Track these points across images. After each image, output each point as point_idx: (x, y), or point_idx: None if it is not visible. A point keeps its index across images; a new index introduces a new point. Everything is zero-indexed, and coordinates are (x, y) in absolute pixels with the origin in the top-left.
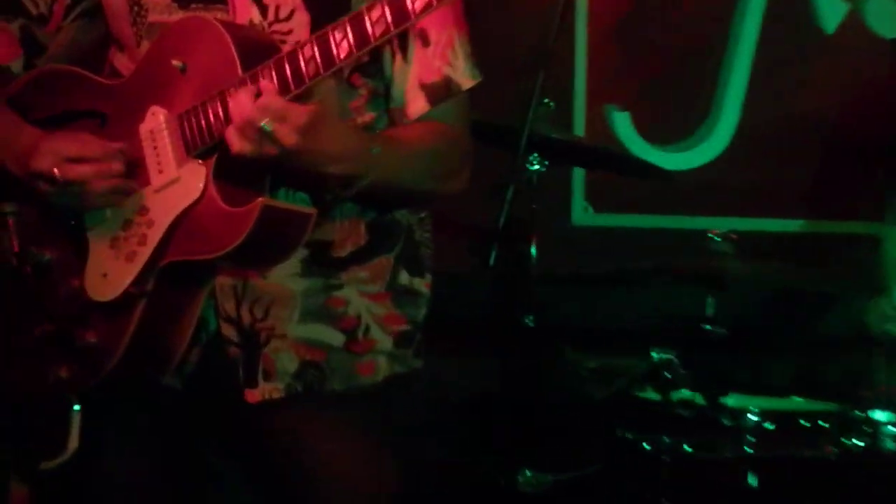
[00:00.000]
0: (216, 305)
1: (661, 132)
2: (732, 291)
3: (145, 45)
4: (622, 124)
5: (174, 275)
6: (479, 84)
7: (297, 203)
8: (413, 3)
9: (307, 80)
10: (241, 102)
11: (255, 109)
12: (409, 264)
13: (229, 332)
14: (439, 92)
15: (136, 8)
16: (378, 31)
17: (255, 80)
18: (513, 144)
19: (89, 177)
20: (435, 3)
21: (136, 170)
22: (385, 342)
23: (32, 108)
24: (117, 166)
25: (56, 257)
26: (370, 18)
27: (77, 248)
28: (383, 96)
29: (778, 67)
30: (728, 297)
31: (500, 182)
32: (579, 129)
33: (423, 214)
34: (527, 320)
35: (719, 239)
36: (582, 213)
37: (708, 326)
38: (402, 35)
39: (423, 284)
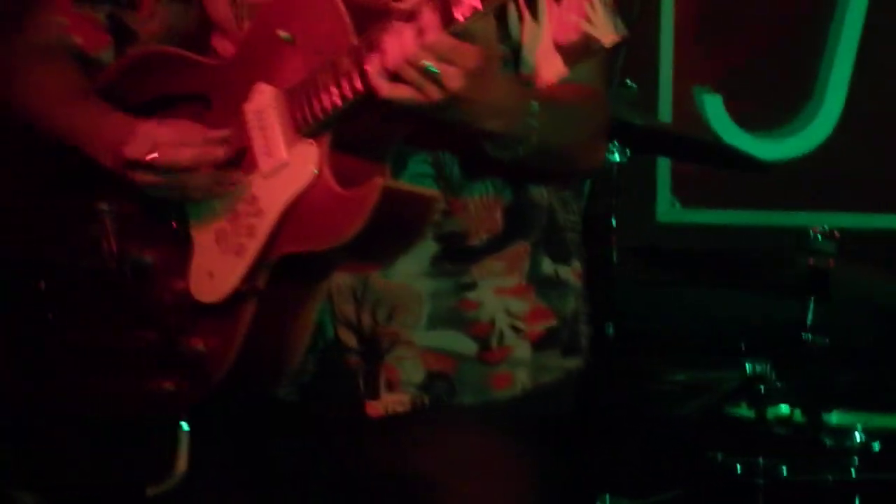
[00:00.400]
0: (333, 309)
1: (756, 117)
2: (835, 296)
3: (247, 25)
4: (713, 108)
5: (287, 270)
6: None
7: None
8: None
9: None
10: (403, 38)
11: (419, 47)
12: (551, 249)
13: (348, 338)
14: (577, 52)
15: None
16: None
17: (410, 17)
18: None
19: (190, 163)
20: None
21: (242, 155)
22: (522, 349)
23: (127, 94)
24: (220, 151)
25: (157, 258)
26: None
27: (180, 247)
28: (511, 62)
29: (889, 44)
30: (831, 303)
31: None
32: (665, 114)
33: (565, 194)
34: (606, 328)
35: (821, 237)
36: (668, 208)
37: (808, 335)
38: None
39: (570, 273)
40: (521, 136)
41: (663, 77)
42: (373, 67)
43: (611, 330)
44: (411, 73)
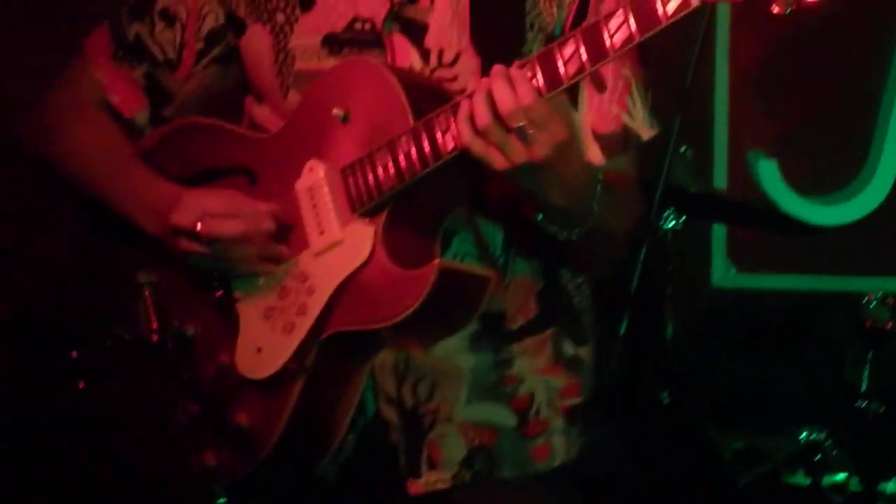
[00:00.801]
0: (375, 385)
1: (812, 182)
2: (891, 362)
3: (293, 94)
4: (768, 174)
5: (336, 348)
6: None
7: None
8: (611, 38)
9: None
10: (503, 94)
11: (518, 106)
12: (571, 333)
13: (390, 414)
14: (616, 142)
15: (281, 55)
16: (571, 71)
17: (507, 80)
18: (646, 198)
19: (237, 235)
20: (637, 37)
21: (292, 232)
22: (557, 421)
23: (171, 165)
24: (269, 225)
25: (201, 331)
26: (563, 55)
27: (225, 321)
28: None
29: None
30: (887, 369)
31: (632, 240)
32: (720, 179)
33: (580, 280)
34: (662, 396)
35: (876, 302)
36: (723, 273)
37: (864, 402)
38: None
39: (587, 354)
40: (583, 216)
41: (718, 142)
42: (462, 120)
43: (667, 398)
44: (499, 133)
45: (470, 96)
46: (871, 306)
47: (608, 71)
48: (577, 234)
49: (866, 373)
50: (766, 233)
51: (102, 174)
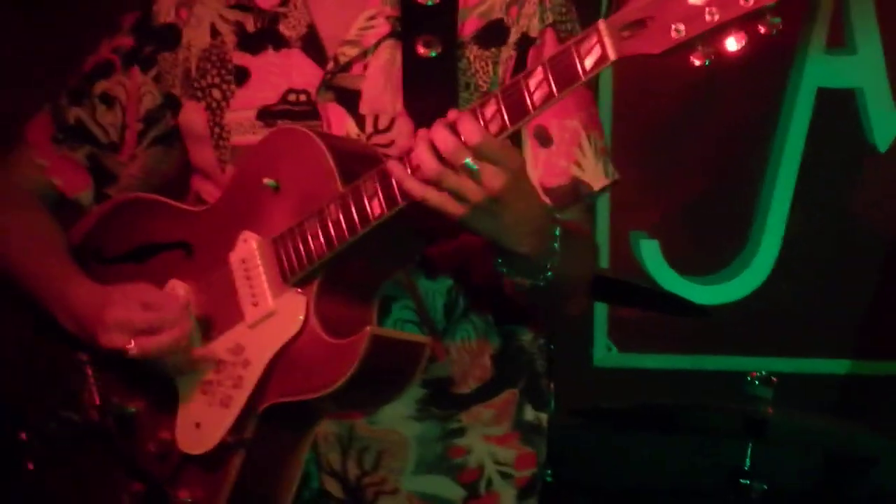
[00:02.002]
0: (318, 457)
1: (693, 262)
2: (773, 442)
3: (230, 169)
4: (650, 254)
5: (275, 420)
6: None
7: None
8: (531, 96)
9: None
10: (444, 136)
11: (459, 143)
12: (532, 397)
13: (333, 488)
14: (566, 195)
15: (217, 130)
16: (494, 129)
17: (443, 126)
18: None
19: (169, 348)
20: (556, 94)
21: (227, 305)
22: (509, 495)
23: (110, 241)
24: (191, 322)
25: (142, 408)
26: (483, 116)
27: (165, 397)
28: None
29: (824, 189)
30: (768, 449)
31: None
32: (602, 259)
33: (542, 341)
34: (545, 474)
35: (758, 382)
36: (605, 352)
37: (746, 481)
38: (512, 136)
39: (545, 420)
40: (546, 261)
41: (600, 222)
42: (407, 177)
43: (549, 477)
44: (450, 178)
45: (399, 158)
46: (753, 386)
47: (552, 125)
48: (543, 280)
49: (749, 452)
50: (647, 313)
51: (28, 268)
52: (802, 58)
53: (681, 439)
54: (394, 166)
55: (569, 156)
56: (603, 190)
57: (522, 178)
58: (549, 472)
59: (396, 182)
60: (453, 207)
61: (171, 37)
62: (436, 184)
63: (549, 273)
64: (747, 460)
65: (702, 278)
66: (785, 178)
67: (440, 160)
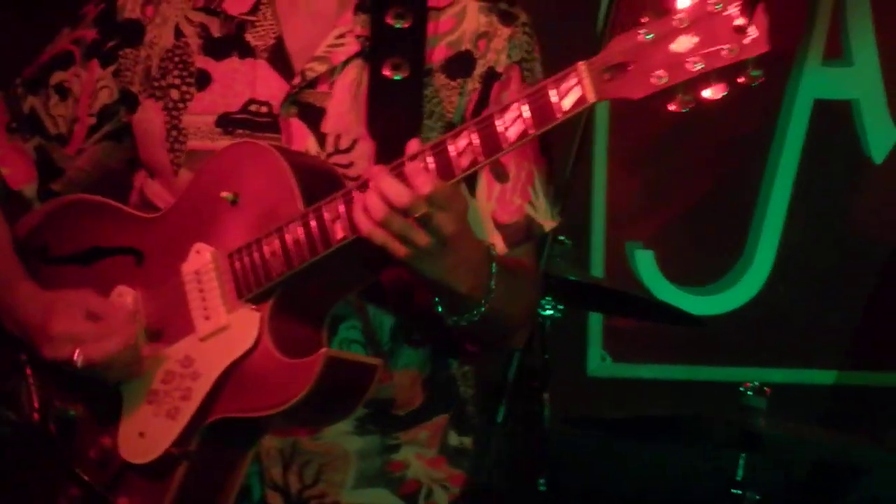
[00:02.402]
0: (261, 471)
1: (688, 273)
2: (766, 452)
3: (183, 173)
4: (645, 264)
5: (221, 433)
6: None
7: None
8: (506, 131)
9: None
10: (393, 185)
11: (415, 195)
12: (456, 422)
13: (275, 501)
14: (518, 233)
15: (174, 132)
16: (465, 163)
17: (363, 185)
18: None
19: (115, 355)
20: (532, 131)
21: (177, 316)
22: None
23: (57, 241)
24: (136, 329)
25: (83, 412)
26: (457, 147)
27: (108, 402)
28: None
29: (819, 201)
30: (761, 459)
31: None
32: (597, 269)
33: (465, 369)
34: (539, 483)
35: (752, 393)
36: (599, 363)
37: (739, 491)
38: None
39: (469, 443)
40: (481, 298)
41: (596, 233)
42: (358, 211)
43: (544, 486)
44: (399, 222)
45: (361, 187)
46: (747, 396)
47: (510, 161)
48: (476, 316)
49: (742, 462)
50: (641, 323)
51: None
52: (799, 69)
53: (674, 449)
54: (357, 199)
55: (524, 194)
56: (550, 231)
57: (466, 220)
58: (542, 480)
59: (353, 218)
60: (399, 250)
61: (134, 33)
62: (383, 226)
63: (483, 309)
64: (740, 470)
65: (697, 289)
66: (781, 189)
67: (391, 208)
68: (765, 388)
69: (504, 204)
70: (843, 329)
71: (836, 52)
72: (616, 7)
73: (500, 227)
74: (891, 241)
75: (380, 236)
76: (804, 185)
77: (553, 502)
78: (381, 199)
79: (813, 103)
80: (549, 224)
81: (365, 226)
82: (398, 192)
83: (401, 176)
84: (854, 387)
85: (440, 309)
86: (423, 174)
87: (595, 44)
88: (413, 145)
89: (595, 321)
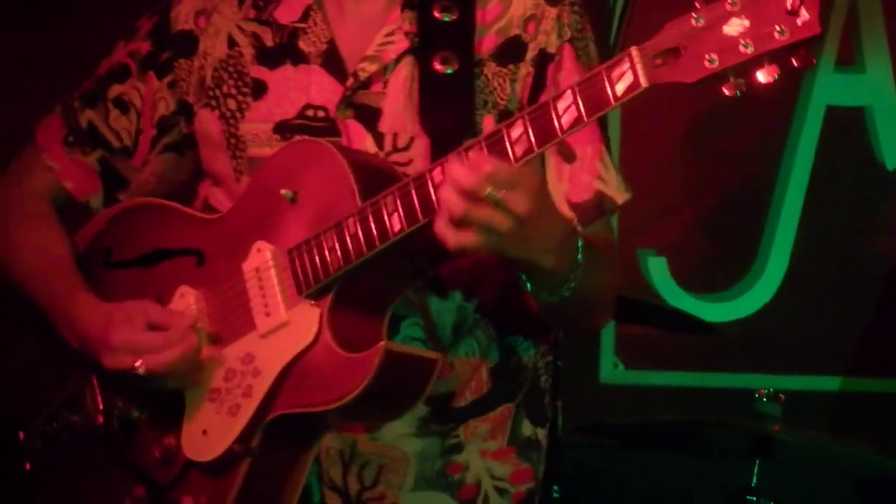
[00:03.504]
0: (320, 472)
1: (700, 280)
2: (781, 459)
3: (245, 180)
4: (658, 271)
5: (282, 430)
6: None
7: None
8: (559, 119)
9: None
10: (460, 173)
11: (477, 176)
12: (531, 412)
13: (334, 501)
14: (592, 210)
15: (233, 141)
16: (519, 151)
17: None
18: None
19: (174, 366)
20: (585, 118)
21: (238, 314)
22: None
23: (120, 245)
24: (196, 338)
25: (147, 414)
26: (509, 137)
27: (170, 403)
28: None
29: (832, 207)
30: (776, 466)
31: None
32: None
33: (550, 357)
34: (553, 491)
35: (766, 400)
36: (611, 370)
37: (753, 498)
38: None
39: (544, 436)
40: (571, 274)
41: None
42: (442, 227)
43: (557, 493)
44: (477, 213)
45: (417, 181)
46: (761, 403)
47: (576, 140)
48: (567, 291)
49: (756, 469)
50: (654, 330)
51: (34, 283)
52: (812, 76)
53: (688, 456)
54: (438, 213)
55: (592, 170)
56: (623, 204)
57: (544, 195)
58: (556, 487)
59: (436, 232)
60: (487, 243)
61: (188, 44)
62: (464, 223)
63: (573, 284)
64: (754, 478)
65: (709, 295)
66: (793, 196)
67: (462, 196)
68: (779, 395)
69: (575, 183)
70: (858, 335)
71: (849, 59)
72: (628, 18)
73: (573, 206)
74: None
75: (470, 240)
76: (817, 191)
77: None
78: (453, 191)
79: (825, 110)
80: (621, 197)
81: (453, 239)
82: (461, 174)
83: (460, 162)
84: (865, 393)
85: (529, 288)
86: (480, 157)
87: (608, 55)
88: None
89: (607, 328)
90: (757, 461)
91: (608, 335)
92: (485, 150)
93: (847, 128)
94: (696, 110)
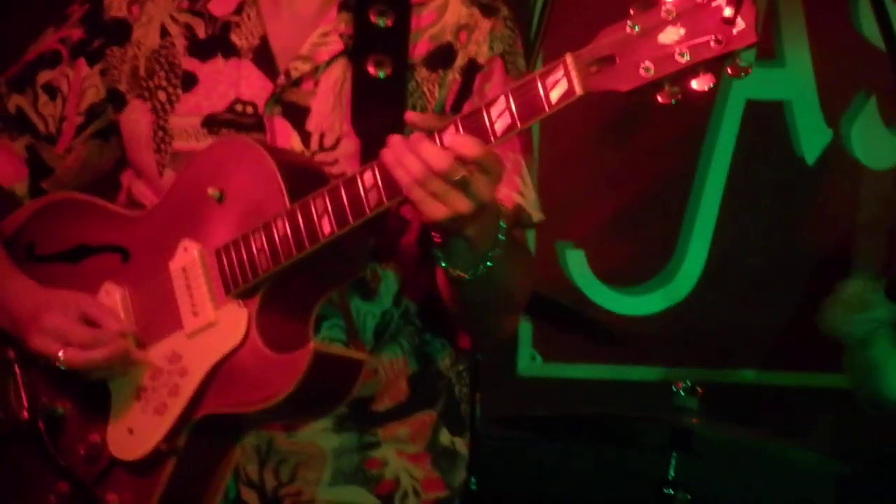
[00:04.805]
0: (237, 468)
1: (619, 273)
2: (698, 452)
3: (168, 173)
4: (576, 264)
5: (208, 429)
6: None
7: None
8: (492, 125)
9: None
10: (430, 151)
11: (451, 158)
12: (450, 422)
13: (250, 498)
14: (508, 220)
15: (160, 133)
16: None
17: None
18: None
19: (100, 363)
20: (520, 126)
21: (165, 313)
22: None
23: (44, 239)
24: (127, 343)
25: (71, 410)
26: (442, 142)
27: (96, 399)
28: None
29: (751, 201)
30: (693, 458)
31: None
32: None
33: (461, 367)
34: (470, 482)
35: (683, 393)
36: (529, 362)
37: (670, 490)
38: None
39: (462, 444)
40: (488, 251)
41: (527, 231)
42: (392, 161)
43: (474, 486)
44: (438, 183)
45: (347, 182)
46: (679, 396)
47: (500, 151)
48: (485, 269)
49: (673, 462)
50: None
51: None
52: None
53: (605, 449)
54: (394, 142)
55: (511, 184)
56: (538, 223)
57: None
58: (474, 479)
59: (387, 166)
60: (437, 209)
61: (121, 32)
62: (423, 185)
63: (490, 264)
64: (672, 470)
65: (628, 289)
66: (713, 189)
67: (429, 170)
68: (697, 388)
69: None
70: (776, 329)
71: (769, 53)
72: (548, 16)
73: None
74: (822, 242)
75: (419, 195)
76: (736, 185)
77: (484, 502)
78: (420, 161)
79: (745, 104)
80: (536, 216)
81: (404, 180)
82: (441, 158)
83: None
84: (782, 387)
85: (443, 263)
86: (468, 138)
87: (528, 52)
88: (394, 140)
89: (525, 320)
90: (674, 454)
91: (525, 328)
92: (468, 137)
93: (767, 122)
94: (615, 101)
